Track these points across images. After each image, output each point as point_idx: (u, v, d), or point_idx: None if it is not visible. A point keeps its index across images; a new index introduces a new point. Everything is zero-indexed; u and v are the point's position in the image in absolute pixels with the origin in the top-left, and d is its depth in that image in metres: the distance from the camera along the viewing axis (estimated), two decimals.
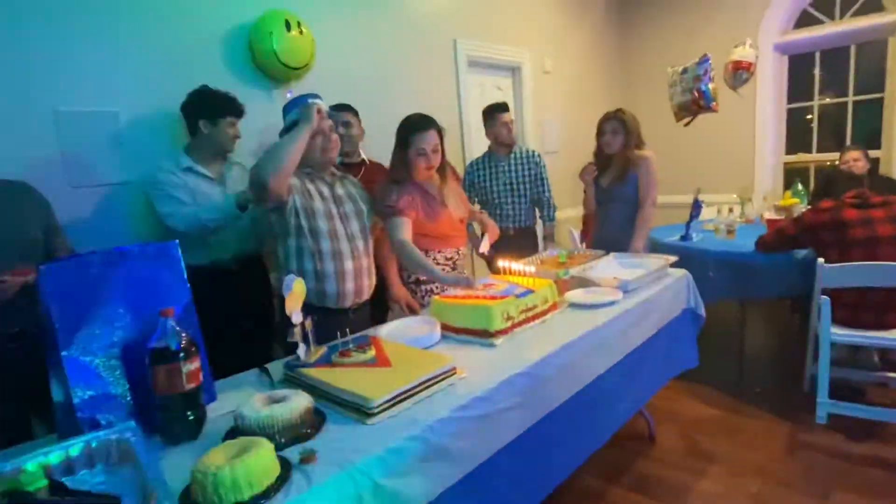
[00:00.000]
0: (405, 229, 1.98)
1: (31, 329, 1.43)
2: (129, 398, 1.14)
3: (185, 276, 1.26)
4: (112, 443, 1.00)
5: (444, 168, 2.11)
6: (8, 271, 1.43)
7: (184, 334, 1.09)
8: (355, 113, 2.55)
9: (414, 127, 1.99)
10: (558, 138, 4.53)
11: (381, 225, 2.07)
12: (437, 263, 2.08)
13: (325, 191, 1.86)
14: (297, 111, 1.76)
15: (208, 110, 2.04)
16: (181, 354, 1.06)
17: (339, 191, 1.91)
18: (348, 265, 1.86)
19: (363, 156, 2.61)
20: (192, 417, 1.10)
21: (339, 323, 1.60)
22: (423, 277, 2.13)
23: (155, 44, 2.21)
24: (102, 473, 0.98)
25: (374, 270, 2.00)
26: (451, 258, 2.15)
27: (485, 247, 2.19)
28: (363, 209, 1.96)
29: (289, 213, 1.77)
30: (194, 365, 1.09)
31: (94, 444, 0.99)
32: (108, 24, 2.09)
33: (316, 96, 1.79)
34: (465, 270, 2.25)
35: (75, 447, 0.98)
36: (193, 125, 2.08)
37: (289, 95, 2.53)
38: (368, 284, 1.96)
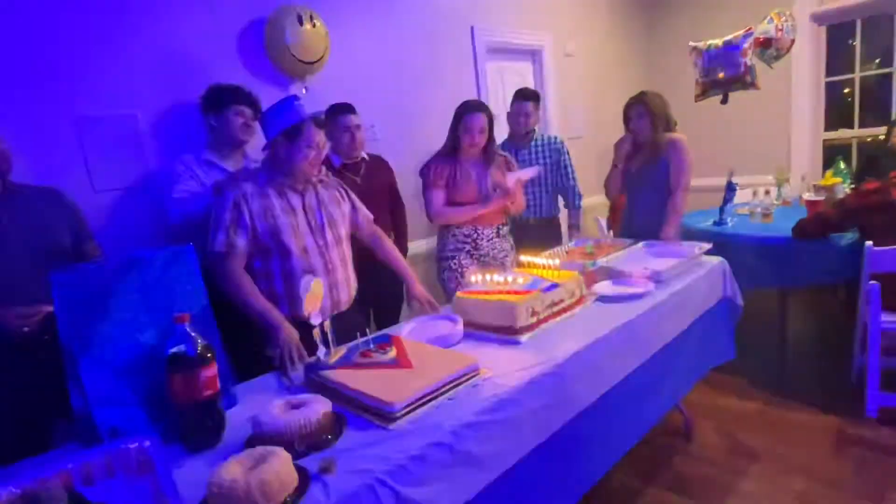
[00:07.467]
0: (440, 198, 2.34)
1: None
2: (149, 406, 1.12)
3: (201, 280, 1.23)
4: (131, 452, 0.99)
5: (488, 151, 2.37)
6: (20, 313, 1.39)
7: (199, 340, 1.07)
8: (355, 111, 2.37)
9: (467, 109, 2.33)
10: (583, 123, 4.39)
11: (371, 229, 1.95)
12: (456, 239, 2.38)
13: (295, 201, 1.69)
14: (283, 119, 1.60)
15: (213, 103, 2.06)
16: (196, 361, 1.04)
17: (310, 199, 1.73)
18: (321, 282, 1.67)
19: (362, 153, 2.44)
20: (210, 425, 1.08)
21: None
22: (446, 254, 2.40)
23: (167, 44, 2.20)
24: (122, 483, 0.96)
25: (353, 281, 1.84)
26: (469, 235, 2.37)
27: (517, 178, 2.32)
28: (335, 214, 1.78)
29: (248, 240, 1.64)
30: (211, 371, 1.07)
31: (113, 454, 0.98)
32: (120, 25, 2.08)
33: (295, 98, 1.64)
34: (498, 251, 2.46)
35: (95, 456, 0.96)
36: (207, 122, 2.10)
37: (304, 91, 2.50)
38: (347, 298, 1.79)
